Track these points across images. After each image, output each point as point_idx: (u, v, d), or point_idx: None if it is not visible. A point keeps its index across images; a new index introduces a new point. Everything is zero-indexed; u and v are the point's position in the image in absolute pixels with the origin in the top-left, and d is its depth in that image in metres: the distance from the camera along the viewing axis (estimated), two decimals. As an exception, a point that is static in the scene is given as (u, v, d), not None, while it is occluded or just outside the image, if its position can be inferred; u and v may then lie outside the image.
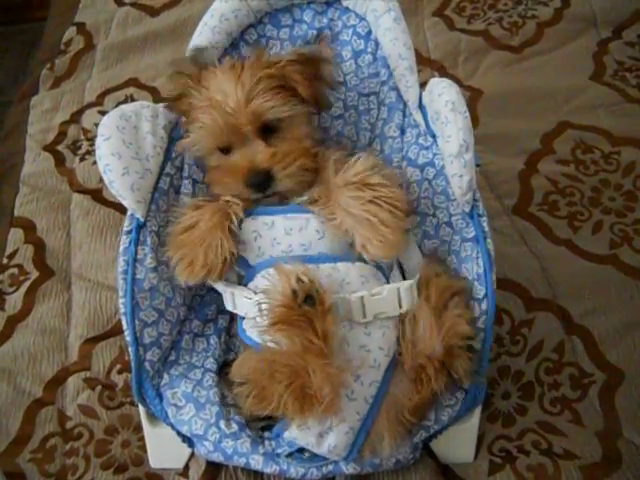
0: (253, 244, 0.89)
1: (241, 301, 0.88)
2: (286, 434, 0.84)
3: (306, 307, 0.77)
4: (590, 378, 1.00)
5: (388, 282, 0.89)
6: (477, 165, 0.88)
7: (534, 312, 1.08)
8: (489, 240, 0.89)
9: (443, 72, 1.50)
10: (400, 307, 0.86)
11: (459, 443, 0.92)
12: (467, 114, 0.86)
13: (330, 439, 0.82)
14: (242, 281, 0.90)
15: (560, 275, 1.12)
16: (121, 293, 0.88)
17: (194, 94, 0.90)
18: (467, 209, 0.89)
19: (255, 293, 0.86)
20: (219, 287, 0.91)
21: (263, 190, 0.87)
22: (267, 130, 0.88)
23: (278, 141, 0.88)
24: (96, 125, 1.44)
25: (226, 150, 0.90)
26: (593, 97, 1.42)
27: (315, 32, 1.05)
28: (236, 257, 0.88)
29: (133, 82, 1.56)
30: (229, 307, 0.91)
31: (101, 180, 1.35)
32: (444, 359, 0.83)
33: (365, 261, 0.87)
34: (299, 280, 0.78)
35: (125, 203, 0.89)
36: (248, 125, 0.87)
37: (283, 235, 0.88)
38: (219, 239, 0.86)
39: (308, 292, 0.78)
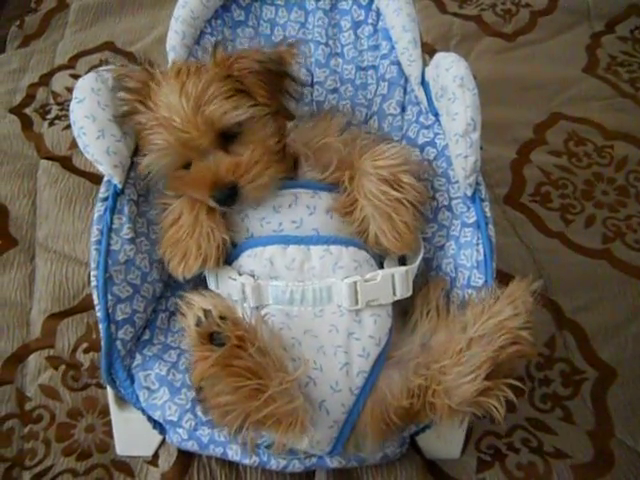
0: (241, 225, 0.84)
1: (225, 282, 0.83)
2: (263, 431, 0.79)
3: (217, 348, 0.70)
4: (582, 375, 0.97)
5: (380, 267, 0.85)
6: (480, 148, 0.84)
7: (525, 305, 1.04)
8: (491, 226, 0.84)
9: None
10: (394, 294, 0.81)
11: (446, 439, 0.88)
12: (476, 91, 0.82)
13: (312, 434, 0.76)
14: (227, 259, 0.85)
15: (552, 268, 1.09)
16: (93, 265, 0.82)
17: (141, 113, 0.82)
18: (469, 192, 0.85)
19: (239, 274, 0.82)
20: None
21: (229, 204, 0.81)
22: (226, 137, 0.81)
23: (240, 147, 0.81)
24: (67, 89, 1.39)
25: (187, 165, 0.82)
26: (586, 89, 1.41)
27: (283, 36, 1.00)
28: (229, 242, 0.83)
29: (109, 46, 1.50)
30: (212, 286, 0.85)
31: (71, 147, 1.29)
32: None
33: (359, 246, 0.83)
34: (197, 321, 0.72)
35: (101, 168, 0.83)
36: (202, 137, 0.79)
37: (272, 213, 0.83)
38: (209, 227, 0.81)
39: (210, 332, 0.71)
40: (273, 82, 0.83)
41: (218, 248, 0.81)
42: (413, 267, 0.84)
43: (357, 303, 0.79)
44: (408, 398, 0.77)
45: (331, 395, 0.76)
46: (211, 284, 0.85)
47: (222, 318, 0.72)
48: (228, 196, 0.80)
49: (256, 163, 0.80)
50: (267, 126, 0.83)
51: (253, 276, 0.82)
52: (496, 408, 0.74)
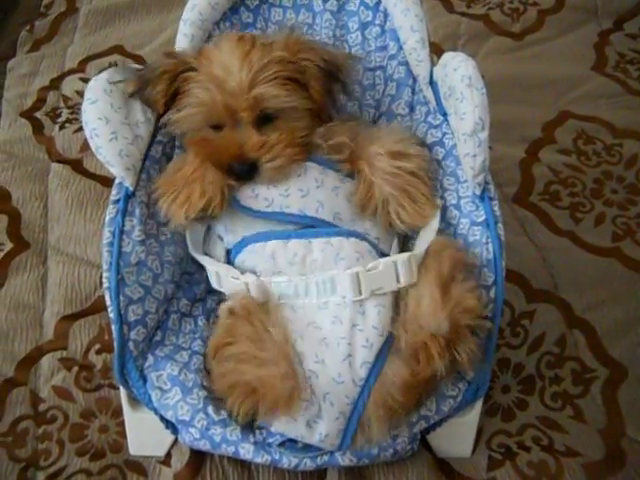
0: (247, 185, 0.84)
1: (228, 281, 0.84)
2: (273, 428, 0.79)
3: (226, 320, 0.80)
4: (592, 373, 0.97)
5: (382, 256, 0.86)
6: (489, 147, 0.84)
7: (535, 303, 1.04)
8: (500, 225, 0.85)
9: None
10: (398, 281, 0.81)
11: (457, 437, 0.88)
12: (484, 90, 0.82)
13: (320, 427, 0.77)
14: (229, 257, 0.88)
15: (561, 266, 1.09)
16: (105, 267, 0.82)
17: (192, 66, 0.84)
18: (478, 191, 0.85)
19: (242, 273, 0.83)
20: (205, 264, 0.87)
21: (244, 179, 0.83)
22: (264, 118, 0.83)
23: (271, 130, 0.83)
24: (77, 92, 1.40)
25: (216, 127, 0.84)
26: (594, 88, 1.40)
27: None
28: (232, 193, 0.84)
29: (118, 49, 1.51)
30: (215, 286, 0.87)
31: (82, 150, 1.30)
32: (449, 337, 0.77)
33: (360, 237, 0.84)
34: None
35: (113, 170, 0.83)
36: (246, 111, 0.81)
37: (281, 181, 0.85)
38: (214, 173, 0.82)
39: (228, 307, 0.81)
40: (328, 83, 0.86)
41: (222, 192, 0.83)
42: (417, 254, 0.83)
43: (361, 293, 0.80)
44: (409, 368, 0.78)
45: (334, 387, 0.77)
46: (214, 284, 0.86)
47: (236, 294, 0.81)
48: (247, 171, 0.82)
49: (281, 146, 0.82)
50: (303, 120, 0.86)
51: (255, 273, 0.82)
52: (465, 298, 0.78)
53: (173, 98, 0.86)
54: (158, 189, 0.85)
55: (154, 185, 0.86)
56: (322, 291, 0.81)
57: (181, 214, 0.82)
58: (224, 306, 0.81)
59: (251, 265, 0.84)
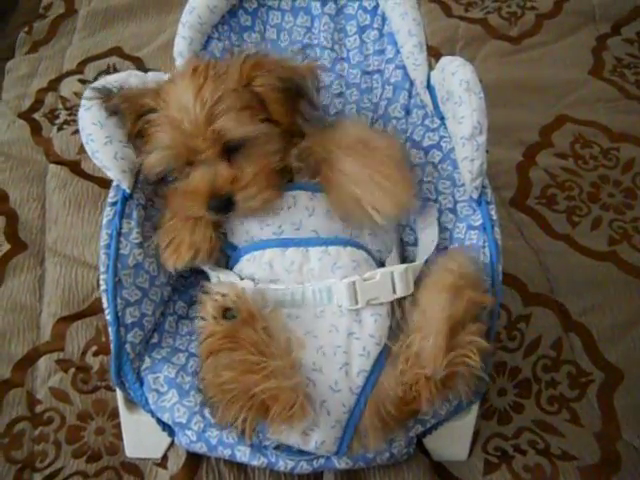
0: (240, 228, 0.85)
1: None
2: (268, 434, 0.79)
3: (226, 323, 0.75)
4: (588, 377, 0.97)
5: (380, 266, 0.85)
6: (486, 151, 0.84)
7: (531, 307, 1.05)
8: (497, 229, 0.85)
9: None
10: (394, 292, 0.82)
11: (453, 441, 0.89)
12: (482, 95, 0.82)
13: (316, 436, 0.77)
14: (228, 263, 0.87)
15: (558, 270, 1.09)
16: (102, 269, 0.82)
17: (152, 107, 0.82)
18: (475, 195, 0.85)
19: (241, 278, 0.83)
20: (207, 269, 0.87)
21: (224, 213, 0.82)
22: (231, 149, 0.81)
23: (243, 159, 0.81)
24: (75, 94, 1.40)
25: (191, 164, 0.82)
26: (592, 92, 1.41)
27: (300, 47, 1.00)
28: (222, 239, 0.85)
29: (116, 51, 1.51)
30: None
31: (80, 152, 1.30)
32: (444, 382, 0.77)
33: (357, 245, 0.84)
34: (214, 301, 0.76)
35: (110, 174, 0.84)
36: (209, 148, 0.79)
37: (271, 216, 0.84)
38: (202, 223, 0.82)
39: (223, 307, 0.76)
40: (290, 101, 0.83)
41: (210, 241, 0.83)
42: (414, 265, 0.83)
43: (357, 302, 0.80)
44: (399, 385, 0.77)
45: (331, 395, 0.77)
46: None
47: (238, 297, 0.76)
48: (224, 206, 0.80)
49: (255, 179, 0.80)
50: (273, 142, 0.83)
51: (253, 280, 0.82)
52: (470, 357, 0.75)
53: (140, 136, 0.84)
54: (156, 240, 0.85)
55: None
56: (319, 299, 0.81)
57: (171, 263, 0.83)
58: (213, 303, 0.77)
59: (249, 273, 0.84)
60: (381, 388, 0.79)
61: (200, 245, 0.82)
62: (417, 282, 0.83)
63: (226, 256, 0.88)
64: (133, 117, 0.83)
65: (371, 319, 0.81)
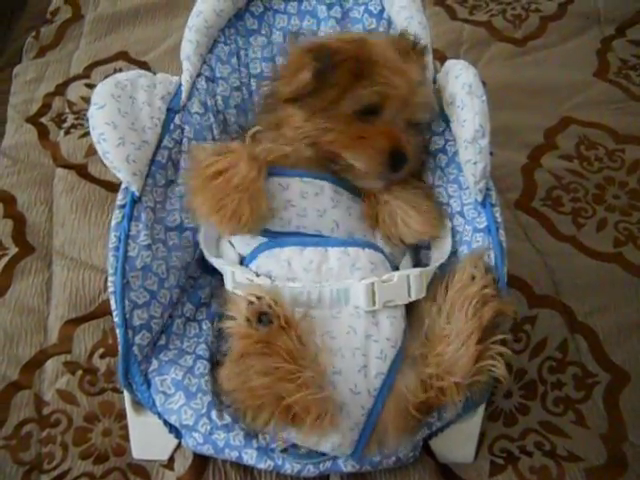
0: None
1: (242, 282, 0.84)
2: (285, 434, 0.79)
3: (262, 328, 0.74)
4: (594, 378, 0.97)
5: (395, 269, 0.87)
6: (490, 153, 0.84)
7: (537, 309, 1.05)
8: (501, 231, 0.85)
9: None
10: (409, 295, 0.82)
11: (459, 442, 0.89)
12: (484, 98, 0.83)
13: (334, 438, 0.77)
14: (242, 262, 0.87)
15: (564, 272, 1.09)
16: (111, 271, 0.82)
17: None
18: (479, 198, 0.86)
19: (257, 275, 0.83)
20: (220, 266, 0.87)
21: (395, 170, 0.85)
22: (411, 124, 0.88)
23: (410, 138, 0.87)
24: (82, 98, 1.41)
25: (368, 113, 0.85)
26: (597, 94, 1.41)
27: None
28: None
29: (123, 56, 1.52)
30: (228, 287, 0.86)
31: (86, 155, 1.30)
32: (468, 388, 0.79)
33: (375, 248, 0.85)
34: (250, 303, 0.75)
35: (120, 176, 0.84)
36: (417, 113, 0.86)
37: (298, 198, 0.85)
38: (261, 192, 0.81)
39: (259, 311, 0.75)
40: None
41: (262, 215, 0.82)
42: (428, 270, 0.84)
43: (374, 304, 0.80)
44: (423, 391, 0.79)
45: (351, 398, 0.77)
46: (228, 284, 0.85)
47: (274, 302, 0.76)
48: (399, 163, 0.84)
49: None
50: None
51: (270, 277, 0.83)
52: (495, 367, 0.78)
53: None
54: (192, 195, 0.83)
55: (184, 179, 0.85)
56: (336, 300, 0.81)
57: (227, 230, 0.83)
58: (249, 307, 0.76)
59: (266, 270, 0.83)
60: (400, 390, 0.79)
61: (261, 217, 0.81)
62: (438, 287, 0.84)
63: (240, 258, 0.88)
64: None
65: (387, 321, 0.81)
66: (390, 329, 0.81)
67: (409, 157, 0.85)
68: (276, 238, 0.84)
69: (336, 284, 0.81)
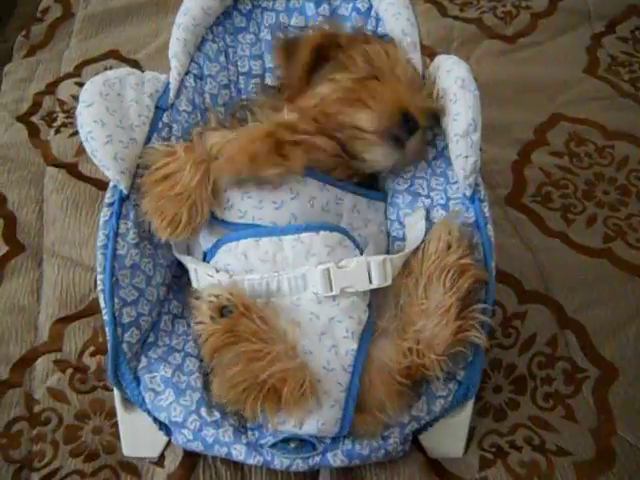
0: (222, 196, 0.85)
1: (204, 278, 0.85)
2: (272, 424, 0.79)
3: (225, 319, 0.77)
4: (584, 373, 0.97)
5: (358, 247, 0.86)
6: (479, 149, 0.85)
7: (527, 304, 1.05)
8: (489, 226, 0.85)
9: (435, 59, 1.48)
10: (370, 282, 0.82)
11: (449, 437, 0.89)
12: (477, 92, 0.83)
13: (316, 416, 0.78)
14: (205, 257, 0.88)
15: (553, 268, 1.10)
16: (99, 269, 0.83)
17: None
18: (468, 193, 0.86)
19: (217, 271, 0.84)
20: (186, 262, 0.88)
21: (401, 141, 0.84)
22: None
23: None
24: (73, 97, 1.40)
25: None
26: (587, 90, 1.41)
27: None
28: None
29: (113, 54, 1.51)
30: (194, 284, 0.87)
31: (77, 154, 1.30)
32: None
33: (331, 228, 0.84)
34: (210, 302, 0.78)
35: (108, 174, 0.84)
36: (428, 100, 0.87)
37: (254, 189, 0.84)
38: (202, 198, 0.82)
39: (219, 306, 0.78)
40: None
41: (205, 220, 0.83)
42: (395, 257, 0.84)
43: (332, 289, 0.81)
44: (405, 358, 0.79)
45: (325, 375, 0.78)
46: (193, 282, 0.87)
47: (231, 294, 0.78)
48: (411, 124, 0.83)
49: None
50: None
51: (227, 272, 0.83)
52: (476, 337, 0.79)
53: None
54: (143, 200, 0.83)
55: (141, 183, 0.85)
56: (294, 287, 0.81)
57: (164, 236, 0.83)
58: (209, 304, 0.78)
59: (224, 264, 0.84)
60: (381, 361, 0.80)
61: (198, 224, 0.82)
62: (413, 258, 0.84)
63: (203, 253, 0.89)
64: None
65: (348, 301, 0.82)
66: (351, 307, 0.81)
67: (420, 124, 0.84)
68: (235, 230, 0.85)
69: (293, 272, 0.81)
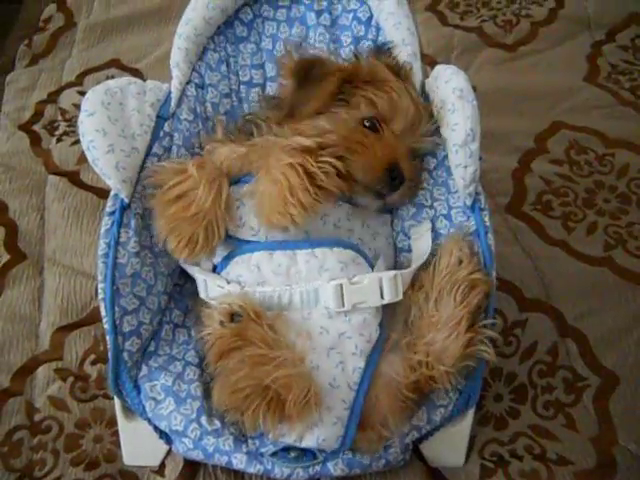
0: (235, 213, 0.84)
1: (214, 289, 0.85)
2: (273, 434, 0.79)
3: (234, 324, 0.78)
4: (584, 382, 0.97)
5: (370, 265, 0.86)
6: (479, 158, 0.85)
7: (527, 313, 1.05)
8: (490, 235, 0.85)
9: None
10: (382, 298, 0.82)
11: (450, 446, 0.89)
12: (475, 102, 0.83)
13: (317, 432, 0.78)
14: (214, 270, 0.88)
15: (554, 276, 1.10)
16: (100, 278, 0.83)
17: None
18: (469, 202, 0.86)
19: (228, 282, 0.84)
20: (194, 273, 0.88)
21: (390, 190, 0.85)
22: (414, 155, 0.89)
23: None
24: (75, 106, 1.41)
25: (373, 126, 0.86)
26: (587, 98, 1.41)
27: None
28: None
29: (115, 63, 1.52)
30: (202, 295, 0.87)
31: (78, 162, 1.30)
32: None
33: (345, 245, 0.84)
34: (221, 308, 0.79)
35: (109, 183, 0.84)
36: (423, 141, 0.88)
37: None
38: (218, 217, 0.82)
39: (230, 312, 0.78)
40: None
41: (220, 239, 0.83)
42: (405, 272, 0.84)
43: (343, 305, 0.81)
44: (412, 373, 0.80)
45: (330, 392, 0.78)
46: (201, 293, 0.87)
47: (243, 301, 0.79)
48: (397, 182, 0.84)
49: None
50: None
51: (239, 283, 0.83)
52: (484, 351, 0.80)
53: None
54: (157, 221, 0.84)
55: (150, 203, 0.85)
56: (306, 301, 0.81)
57: (181, 257, 0.83)
58: (221, 309, 0.79)
59: (236, 275, 0.84)
60: (389, 376, 0.81)
61: (214, 244, 0.83)
62: (424, 273, 0.85)
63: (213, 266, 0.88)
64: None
65: (360, 318, 0.82)
66: (362, 325, 0.81)
67: (407, 177, 0.85)
68: (248, 244, 0.85)
69: (305, 286, 0.81)
